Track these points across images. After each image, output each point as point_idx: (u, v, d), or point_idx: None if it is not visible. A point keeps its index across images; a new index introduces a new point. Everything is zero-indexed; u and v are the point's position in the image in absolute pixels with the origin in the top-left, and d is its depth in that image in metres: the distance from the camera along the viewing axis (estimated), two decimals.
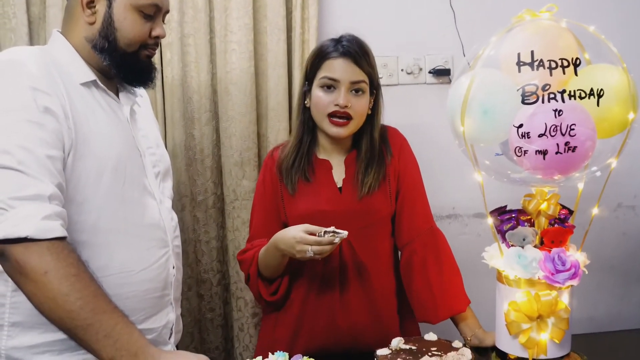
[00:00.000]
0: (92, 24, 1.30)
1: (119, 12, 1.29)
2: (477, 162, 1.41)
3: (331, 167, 1.64)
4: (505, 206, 1.45)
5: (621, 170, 1.36)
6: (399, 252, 1.68)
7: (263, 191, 1.67)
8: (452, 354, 1.33)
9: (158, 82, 1.90)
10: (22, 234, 1.07)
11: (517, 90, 1.29)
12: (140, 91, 1.48)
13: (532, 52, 1.29)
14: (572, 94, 1.27)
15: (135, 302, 1.29)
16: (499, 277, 1.40)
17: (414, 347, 1.38)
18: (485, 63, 1.36)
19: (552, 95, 1.27)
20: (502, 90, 1.32)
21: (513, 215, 1.43)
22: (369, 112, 1.62)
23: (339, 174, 1.64)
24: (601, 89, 1.27)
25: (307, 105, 1.62)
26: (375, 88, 1.62)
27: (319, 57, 1.58)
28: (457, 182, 1.76)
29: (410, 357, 1.33)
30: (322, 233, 1.42)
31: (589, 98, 1.27)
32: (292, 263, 1.56)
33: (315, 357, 1.27)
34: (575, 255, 1.36)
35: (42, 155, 1.14)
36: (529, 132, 1.27)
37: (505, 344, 1.40)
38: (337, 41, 1.58)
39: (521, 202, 1.43)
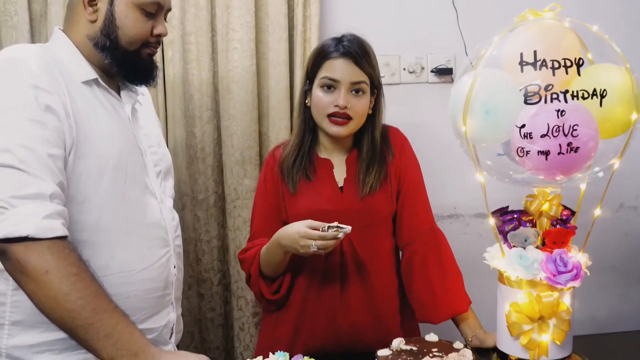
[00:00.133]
0: (93, 21, 1.30)
1: (121, 10, 1.28)
2: (479, 162, 1.40)
3: (332, 166, 1.64)
4: (507, 207, 1.45)
5: (624, 170, 1.35)
6: (400, 252, 1.68)
7: (264, 190, 1.66)
8: (453, 355, 1.33)
9: (159, 80, 1.89)
10: (23, 233, 1.07)
11: (520, 90, 1.28)
12: (142, 90, 1.47)
13: (534, 51, 1.28)
14: (575, 94, 1.27)
15: (136, 302, 1.29)
16: (501, 277, 1.39)
17: (414, 348, 1.37)
18: (488, 62, 1.35)
19: (554, 96, 1.26)
20: (505, 90, 1.31)
21: (515, 215, 1.42)
22: (370, 112, 1.62)
23: (340, 173, 1.63)
24: (604, 89, 1.26)
25: (308, 105, 1.62)
26: (376, 88, 1.62)
27: (320, 57, 1.58)
28: (458, 182, 1.76)
29: (411, 358, 1.32)
30: (326, 228, 1.42)
31: (591, 98, 1.27)
32: (294, 260, 1.55)
33: (316, 357, 1.26)
34: (577, 256, 1.35)
35: (44, 153, 1.13)
36: (531, 133, 1.26)
37: (507, 345, 1.39)
38: (338, 41, 1.57)
39: (523, 202, 1.42)
